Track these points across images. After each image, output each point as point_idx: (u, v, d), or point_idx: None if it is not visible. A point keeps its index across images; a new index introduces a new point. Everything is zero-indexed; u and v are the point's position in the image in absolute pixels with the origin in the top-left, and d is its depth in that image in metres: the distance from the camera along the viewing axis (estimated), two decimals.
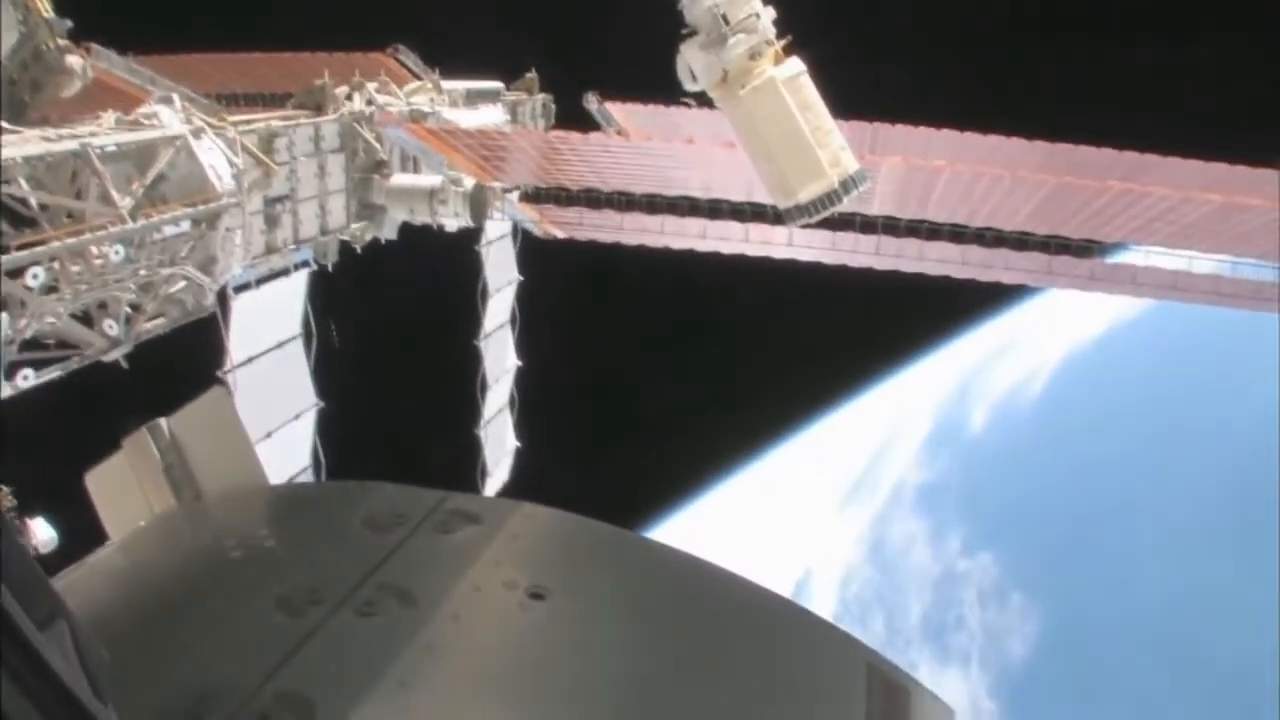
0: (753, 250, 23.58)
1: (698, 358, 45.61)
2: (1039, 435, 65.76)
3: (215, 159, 15.97)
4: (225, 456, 4.03)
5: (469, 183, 21.29)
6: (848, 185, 12.87)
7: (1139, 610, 53.53)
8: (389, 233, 21.75)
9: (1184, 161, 20.72)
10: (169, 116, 15.69)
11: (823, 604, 62.37)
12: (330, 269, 20.68)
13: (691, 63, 12.77)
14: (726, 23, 12.59)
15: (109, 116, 15.17)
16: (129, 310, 15.05)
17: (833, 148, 12.79)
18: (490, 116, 24.18)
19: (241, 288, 17.82)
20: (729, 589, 3.32)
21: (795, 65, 12.79)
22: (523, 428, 27.06)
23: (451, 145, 21.09)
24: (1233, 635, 49.97)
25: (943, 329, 60.99)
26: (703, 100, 13.68)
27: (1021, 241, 22.47)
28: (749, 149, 13.16)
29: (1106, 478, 59.90)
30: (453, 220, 21.27)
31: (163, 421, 4.00)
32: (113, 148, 14.29)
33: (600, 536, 3.38)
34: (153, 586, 3.29)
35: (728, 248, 23.60)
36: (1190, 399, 61.33)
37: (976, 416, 68.49)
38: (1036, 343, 68.52)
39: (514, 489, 26.37)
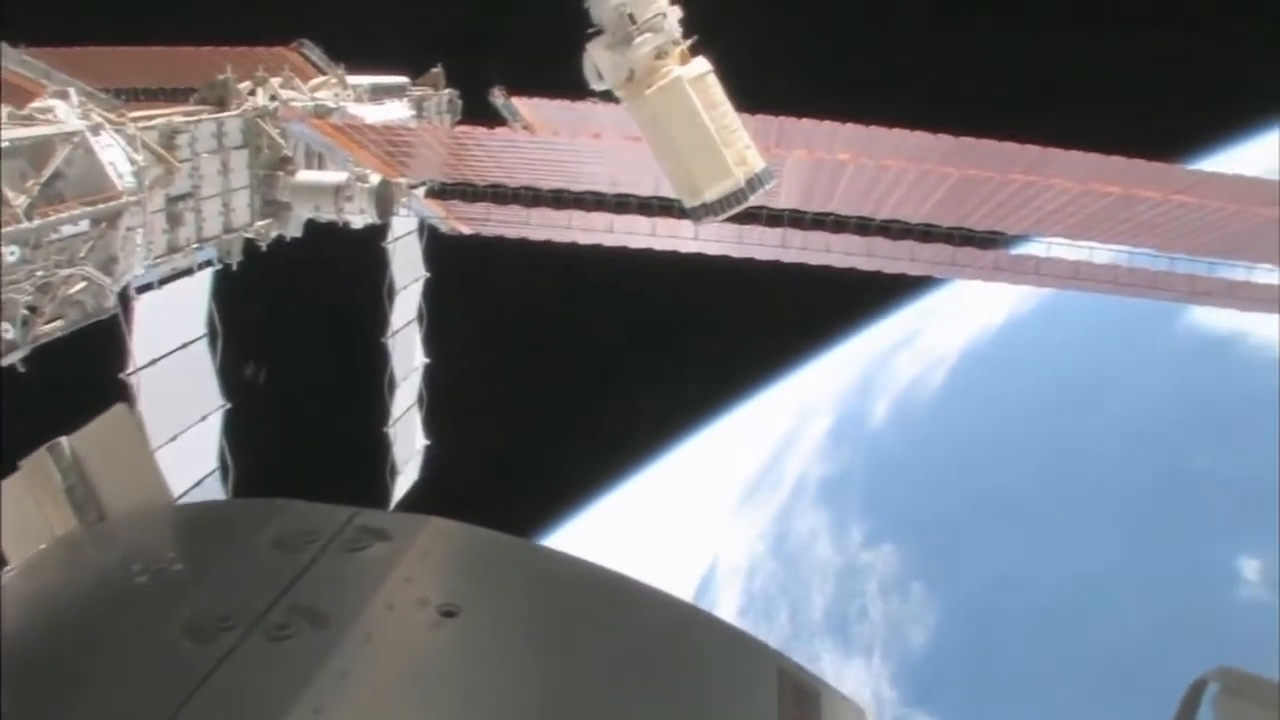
0: (660, 244, 23.62)
1: (604, 352, 45.70)
2: (938, 426, 67.07)
3: (115, 156, 15.70)
4: (129, 475, 3.96)
5: (375, 179, 21.13)
6: (754, 184, 12.92)
7: (1035, 597, 54.67)
8: (294, 230, 21.51)
9: (1084, 155, 21.14)
10: (66, 112, 15.39)
11: (728, 598, 63.24)
12: (234, 268, 20.39)
13: (598, 62, 12.74)
14: (633, 22, 12.57)
15: (1, 111, 14.83)
16: (26, 313, 14.71)
17: (739, 146, 12.83)
18: (396, 112, 23.97)
19: (144, 288, 17.47)
20: (639, 600, 3.32)
21: (701, 65, 12.81)
22: (431, 425, 26.95)
23: (357, 141, 20.89)
24: (1124, 620, 51.16)
25: (847, 322, 61.83)
26: (609, 98, 13.67)
27: (926, 233, 22.79)
28: (655, 148, 13.17)
29: (1004, 467, 61.21)
30: (358, 217, 21.11)
31: (63, 440, 3.92)
32: (6, 144, 13.97)
33: (510, 550, 3.35)
34: (54, 614, 3.19)
35: (635, 242, 23.64)
36: (1085, 388, 62.87)
37: (878, 409, 69.40)
38: (937, 335, 69.71)
39: (424, 487, 26.25)
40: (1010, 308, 66.38)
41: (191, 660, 2.71)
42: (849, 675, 55.99)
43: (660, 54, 12.64)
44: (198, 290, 19.47)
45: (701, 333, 46.76)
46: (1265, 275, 22.79)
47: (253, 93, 20.93)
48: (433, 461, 26.77)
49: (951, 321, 69.15)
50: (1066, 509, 56.78)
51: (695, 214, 13.13)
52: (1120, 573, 53.17)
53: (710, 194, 12.74)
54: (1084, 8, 44.51)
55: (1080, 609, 53.10)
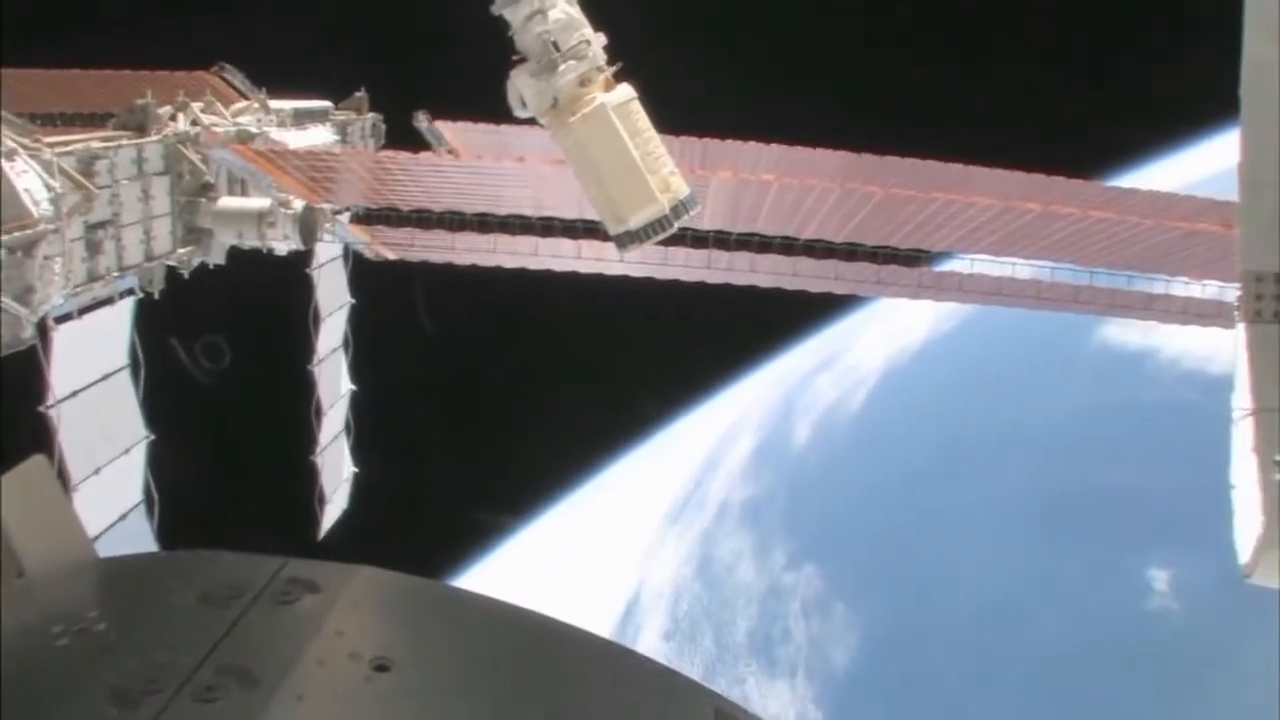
0: (585, 267, 23.62)
1: (531, 377, 45.65)
2: (859, 447, 67.62)
3: (30, 182, 15.45)
4: (49, 529, 3.86)
5: (298, 204, 20.94)
6: (678, 210, 12.94)
7: (954, 615, 55.37)
8: (217, 257, 21.26)
9: (1005, 173, 21.37)
10: None
11: (653, 623, 63.25)
12: (156, 296, 20.14)
13: (522, 89, 12.71)
14: (557, 49, 12.57)
15: None
16: None
17: (663, 173, 12.84)
18: (319, 137, 23.81)
19: (63, 318, 17.17)
20: (575, 646, 3.29)
21: (626, 92, 12.83)
22: (359, 453, 26.72)
23: (280, 166, 20.74)
24: (1040, 635, 52.00)
25: (770, 343, 62.19)
26: (534, 123, 13.65)
27: (851, 252, 22.89)
28: (580, 175, 13.16)
29: (923, 486, 62.02)
30: (282, 243, 20.89)
31: None
32: None
33: (444, 599, 3.30)
34: None
35: (560, 265, 23.61)
36: (1001, 404, 63.87)
37: (800, 431, 69.95)
38: (858, 356, 70.54)
39: (352, 515, 25.98)
40: (929, 327, 67.41)
41: None
42: (773, 697, 56.22)
43: (584, 81, 12.64)
44: (119, 320, 19.18)
45: (627, 356, 46.78)
46: (1182, 288, 23.19)
47: (174, 118, 20.69)
48: (361, 489, 26.58)
49: (872, 342, 70.15)
50: (984, 526, 57.83)
51: (620, 241, 13.12)
52: (1036, 587, 54.21)
53: (635, 221, 12.75)
54: (1002, 27, 45.12)
55: (998, 625, 53.97)
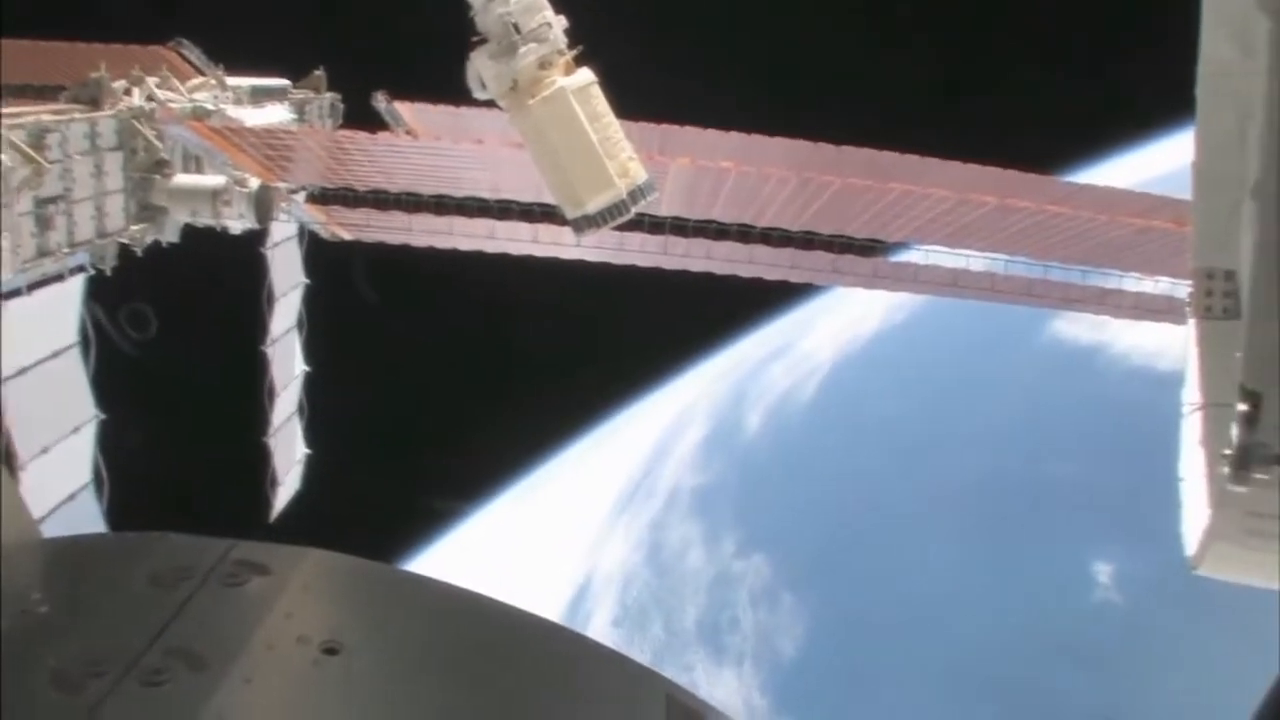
0: (541, 251, 23.58)
1: (484, 360, 45.52)
2: (810, 437, 67.91)
3: None
4: None
5: (254, 183, 20.76)
6: (636, 195, 12.95)
7: (901, 605, 55.77)
8: (170, 235, 21.04)
9: (962, 166, 21.48)
10: None
11: (603, 609, 63.31)
12: (108, 273, 19.93)
13: (481, 71, 12.66)
14: (517, 31, 12.53)
15: None
16: None
17: (621, 158, 12.84)
18: (276, 115, 23.60)
19: (12, 294, 17.01)
20: (526, 630, 3.27)
21: (585, 76, 12.81)
22: (312, 434, 26.53)
23: (236, 144, 20.57)
24: (986, 626, 52.48)
25: (724, 331, 62.25)
26: (494, 105, 13.59)
27: (807, 241, 22.94)
28: (538, 159, 13.15)
29: (872, 477, 62.43)
30: (237, 222, 20.71)
31: None
32: None
33: (393, 582, 3.26)
34: None
35: (516, 248, 23.55)
36: (952, 397, 64.35)
37: (751, 419, 70.15)
38: (810, 345, 70.76)
39: (305, 497, 25.81)
40: (881, 318, 67.77)
41: (60, 712, 2.55)
42: (720, 684, 56.53)
43: (544, 64, 12.61)
44: (69, 296, 18.97)
45: (581, 341, 46.72)
46: (1134, 283, 23.41)
47: (128, 92, 20.46)
48: (314, 471, 26.40)
49: (824, 332, 70.33)
50: (932, 517, 58.17)
51: (577, 225, 13.12)
52: (983, 579, 54.62)
53: (592, 205, 12.74)
54: (963, 22, 45.33)
55: (944, 616, 54.32)
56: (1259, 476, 3.74)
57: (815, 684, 56.24)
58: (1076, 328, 58.07)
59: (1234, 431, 3.70)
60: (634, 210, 13.06)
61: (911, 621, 54.82)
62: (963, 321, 59.44)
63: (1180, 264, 22.13)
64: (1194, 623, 46.62)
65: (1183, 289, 22.80)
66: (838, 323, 69.34)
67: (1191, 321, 6.42)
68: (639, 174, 12.97)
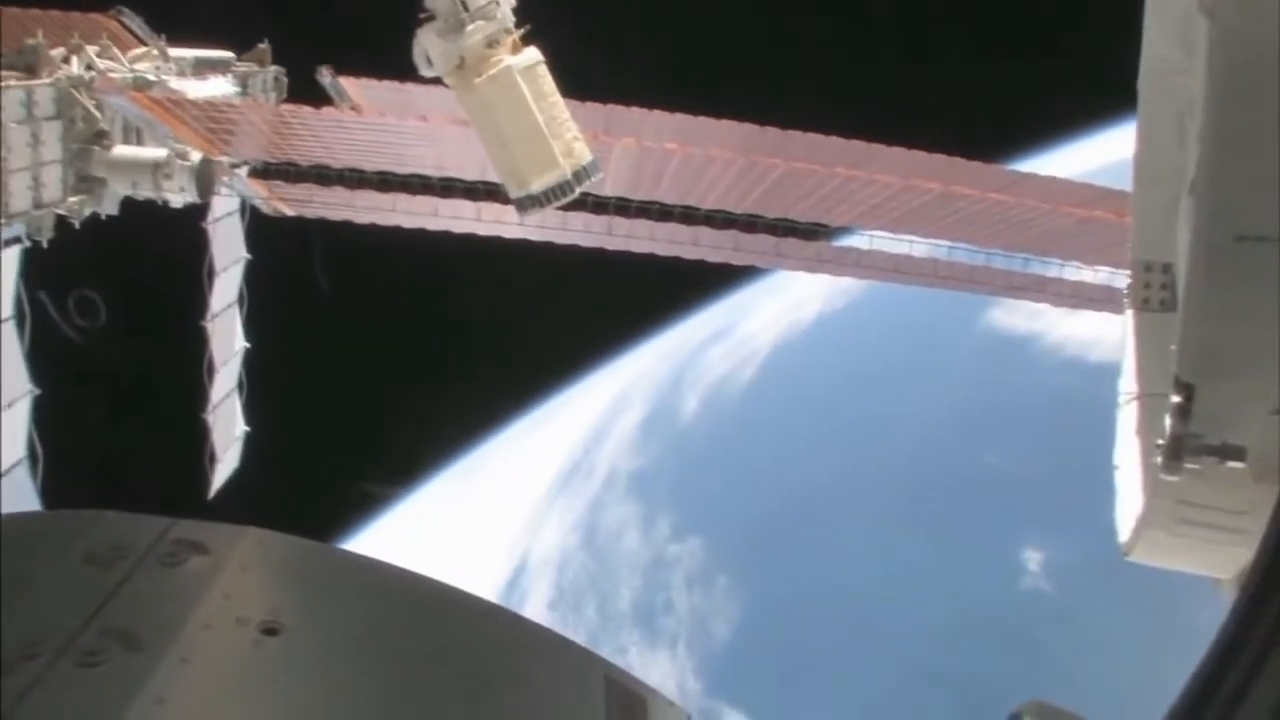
0: (484, 230, 23.48)
1: (426, 338, 45.37)
2: (746, 421, 68.34)
3: None
4: None
5: (195, 156, 20.54)
6: (580, 176, 12.94)
7: (833, 591, 56.33)
8: (110, 207, 20.78)
9: (906, 152, 21.60)
10: None
11: (538, 591, 63.45)
12: (45, 245, 19.66)
13: (428, 48, 12.60)
14: (465, 9, 12.46)
15: None
16: None
17: (566, 138, 12.83)
18: (219, 88, 23.35)
19: None
20: (466, 611, 3.27)
21: (533, 55, 12.78)
22: (252, 411, 26.26)
23: (178, 116, 20.35)
24: (915, 612, 53.12)
25: (664, 313, 62.37)
26: (439, 82, 13.53)
27: (751, 224, 23.00)
28: (483, 137, 13.11)
29: (808, 463, 62.96)
30: (178, 195, 20.45)
31: None
32: None
33: (333, 563, 3.24)
34: None
35: (459, 226, 23.45)
36: (888, 384, 65.00)
37: (689, 402, 70.47)
38: (749, 329, 71.13)
39: (243, 474, 25.59)
40: (820, 304, 68.23)
41: None
42: (654, 667, 56.78)
43: (491, 42, 12.56)
44: (5, 269, 18.73)
45: (522, 320, 46.65)
46: (1074, 273, 23.65)
47: (66, 60, 20.18)
48: (252, 448, 26.16)
49: (764, 317, 70.73)
50: (866, 503, 58.89)
51: (521, 205, 13.10)
52: (914, 564, 55.24)
53: (537, 185, 12.73)
54: (911, 8, 45.61)
55: (875, 600, 54.94)
56: (1191, 466, 3.82)
57: (748, 667, 56.65)
58: (1013, 317, 58.90)
59: (1168, 422, 3.77)
60: (578, 190, 13.06)
61: (843, 605, 55.49)
62: (902, 309, 60.02)
63: (1120, 254, 22.35)
64: (1121, 611, 47.48)
65: (1122, 279, 23.18)
66: (778, 306, 69.79)
67: (1129, 312, 6.52)
68: (584, 154, 12.97)
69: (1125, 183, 21.24)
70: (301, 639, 2.82)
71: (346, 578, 3.18)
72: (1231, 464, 3.84)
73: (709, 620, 59.07)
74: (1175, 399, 3.71)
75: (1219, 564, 4.69)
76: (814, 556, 58.30)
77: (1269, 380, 3.63)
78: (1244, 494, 4.08)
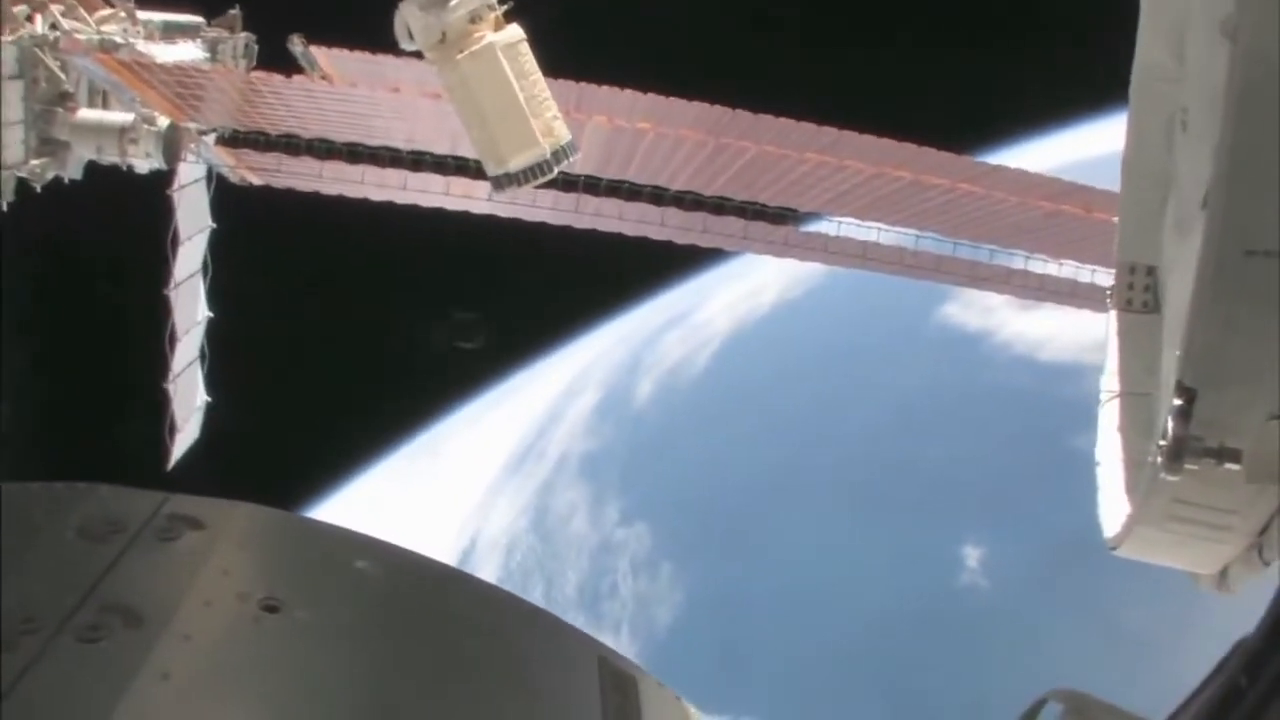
0: (453, 204, 23.38)
1: (387, 313, 45.27)
2: (698, 407, 69.03)
3: None
4: None
5: (163, 122, 20.35)
6: (559, 156, 12.84)
7: (776, 580, 56.85)
8: (73, 171, 20.57)
9: (877, 140, 21.60)
10: None
11: (486, 572, 63.96)
12: (5, 208, 19.42)
13: (410, 22, 12.44)
14: None
15: None
16: None
17: (546, 117, 12.73)
18: (188, 53, 23.07)
19: None
20: (463, 590, 3.29)
21: (515, 32, 12.65)
22: (213, 382, 26.04)
23: (145, 80, 20.11)
24: (857, 604, 53.71)
25: (624, 295, 62.57)
26: (411, 54, 13.44)
27: (720, 206, 23.01)
28: (462, 114, 12.98)
29: (757, 452, 63.89)
30: (144, 161, 20.30)
31: None
32: None
33: (331, 540, 3.23)
34: None
35: (428, 201, 23.33)
36: (839, 375, 65.64)
37: (643, 387, 70.93)
38: (706, 315, 71.61)
39: (203, 445, 25.42)
40: (777, 293, 68.77)
41: None
42: None
43: (475, 18, 12.42)
44: None
45: (486, 297, 46.63)
46: (1040, 265, 23.83)
47: (30, 19, 19.90)
48: (213, 419, 25.96)
49: (721, 303, 71.26)
50: (812, 493, 59.57)
51: (498, 183, 12.99)
52: (856, 556, 55.86)
53: (515, 163, 12.62)
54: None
55: (816, 590, 55.55)
56: (1190, 468, 3.93)
57: (687, 653, 57.02)
58: (966, 313, 59.75)
59: (1169, 425, 3.89)
60: (556, 171, 12.99)
61: (784, 594, 56.06)
62: (857, 300, 60.99)
63: (1086, 249, 22.65)
64: (1057, 609, 48.21)
65: (1087, 274, 23.43)
66: (735, 293, 70.29)
67: (1112, 313, 6.64)
68: (563, 134, 12.87)
69: (1093, 178, 21.49)
70: (302, 616, 2.82)
71: (344, 555, 3.17)
72: (1229, 466, 3.95)
73: (652, 605, 59.71)
74: (1177, 402, 3.82)
75: (1204, 560, 4.87)
76: (757, 544, 59.14)
77: (1267, 389, 3.77)
78: (1236, 494, 4.24)
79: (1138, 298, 6.44)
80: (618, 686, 3.21)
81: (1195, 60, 5.60)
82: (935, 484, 57.26)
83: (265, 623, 2.76)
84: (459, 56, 12.29)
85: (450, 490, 67.51)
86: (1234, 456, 3.98)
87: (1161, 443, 4.05)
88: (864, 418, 62.83)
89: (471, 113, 12.69)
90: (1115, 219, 19.08)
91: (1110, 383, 6.60)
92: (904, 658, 51.16)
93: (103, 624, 2.59)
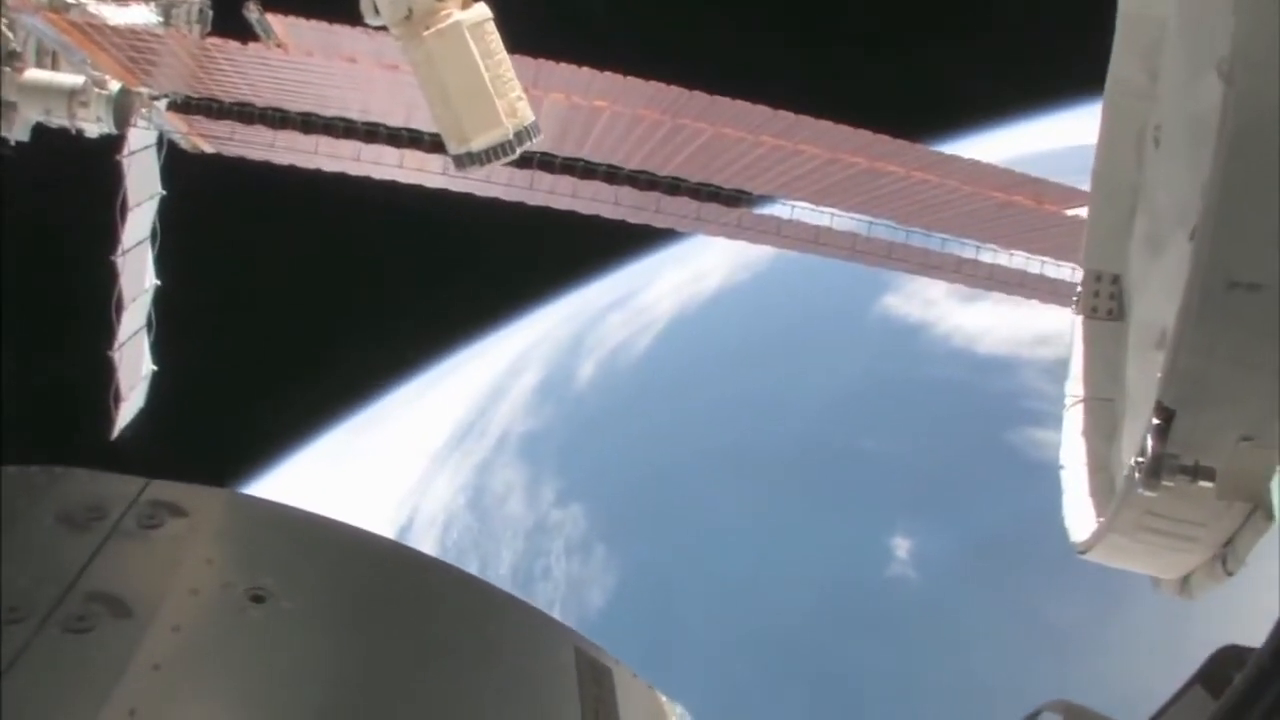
0: (406, 177, 23.25)
1: (335, 286, 45.09)
2: (638, 390, 69.64)
3: None
4: None
5: (114, 85, 20.06)
6: (522, 136, 12.68)
7: (709, 567, 57.42)
8: (20, 134, 20.16)
9: (833, 125, 21.66)
10: None
11: (423, 550, 64.31)
12: None
13: None
14: None
15: None
16: None
17: (510, 97, 12.59)
18: (141, 16, 22.72)
19: None
20: (444, 581, 3.31)
21: (482, 11, 12.50)
22: (160, 351, 25.73)
23: (97, 42, 19.82)
24: (787, 593, 54.28)
25: (572, 273, 62.74)
26: (369, 25, 13.35)
27: (674, 186, 23.05)
28: (426, 91, 12.83)
29: (693, 438, 64.47)
30: (94, 125, 19.97)
31: None
32: None
33: (313, 528, 3.23)
34: None
35: (381, 173, 23.21)
36: (778, 364, 66.27)
37: (585, 368, 71.29)
38: (650, 297, 72.03)
39: (148, 414, 25.14)
40: (721, 278, 69.36)
41: None
42: None
43: None
44: None
45: (434, 273, 46.56)
46: (990, 255, 24.02)
47: None
48: (158, 388, 25.65)
49: (667, 285, 71.66)
50: (747, 480, 60.21)
51: (460, 161, 12.88)
52: (788, 543, 56.51)
53: (478, 143, 12.50)
54: None
55: (747, 577, 56.21)
56: (1166, 484, 4.07)
57: (617, 638, 57.28)
58: (908, 304, 60.39)
59: (1148, 443, 4.03)
60: (519, 151, 12.94)
61: (715, 581, 56.64)
62: (800, 288, 61.53)
63: (1037, 241, 22.90)
64: (983, 602, 48.87)
65: (1036, 265, 23.70)
66: (680, 277, 70.79)
67: (1078, 319, 6.77)
68: (526, 115, 12.75)
69: (1046, 171, 21.71)
70: (289, 606, 2.83)
71: (327, 544, 3.20)
72: (1202, 483, 4.12)
73: (584, 588, 60.14)
74: (1156, 422, 4.00)
75: (1169, 567, 5.10)
76: (691, 530, 59.66)
77: (1240, 412, 3.96)
78: (1205, 509, 4.42)
79: (1103, 305, 6.58)
80: (594, 677, 3.27)
81: (1171, 82, 5.73)
82: (869, 474, 58.21)
83: (252, 613, 2.77)
84: (425, 34, 12.16)
85: (393, 465, 67.56)
86: (1208, 474, 4.12)
87: (1140, 459, 4.17)
88: (802, 406, 63.57)
89: (435, 91, 12.60)
90: (1066, 211, 19.44)
91: (1075, 387, 6.73)
92: (830, 645, 51.73)
93: (90, 614, 2.57)
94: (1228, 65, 3.51)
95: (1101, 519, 5.41)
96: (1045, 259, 23.44)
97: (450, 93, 12.57)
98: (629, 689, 3.45)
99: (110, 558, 2.79)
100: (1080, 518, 5.91)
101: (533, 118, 13.12)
